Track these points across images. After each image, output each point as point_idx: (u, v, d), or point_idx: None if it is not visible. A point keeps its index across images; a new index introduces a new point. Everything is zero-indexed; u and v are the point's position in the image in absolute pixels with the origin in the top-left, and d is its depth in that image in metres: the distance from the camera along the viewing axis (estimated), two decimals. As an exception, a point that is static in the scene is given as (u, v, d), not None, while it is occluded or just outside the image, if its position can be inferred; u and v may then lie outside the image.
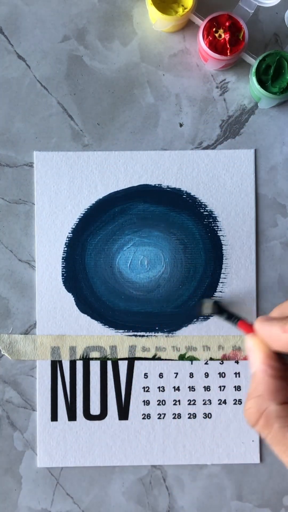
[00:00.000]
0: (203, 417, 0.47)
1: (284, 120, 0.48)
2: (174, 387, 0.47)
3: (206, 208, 0.47)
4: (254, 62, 0.46)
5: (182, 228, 0.47)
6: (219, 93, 0.48)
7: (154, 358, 0.47)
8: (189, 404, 0.47)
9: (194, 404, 0.47)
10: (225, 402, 0.47)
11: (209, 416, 0.47)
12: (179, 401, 0.47)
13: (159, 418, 0.47)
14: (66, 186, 0.47)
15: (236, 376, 0.47)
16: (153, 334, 0.47)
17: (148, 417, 0.47)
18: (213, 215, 0.47)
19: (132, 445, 0.46)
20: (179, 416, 0.47)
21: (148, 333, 0.47)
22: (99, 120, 0.48)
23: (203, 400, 0.47)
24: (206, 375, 0.47)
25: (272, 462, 0.47)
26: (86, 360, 0.47)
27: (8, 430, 0.47)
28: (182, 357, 0.47)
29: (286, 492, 0.47)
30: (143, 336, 0.47)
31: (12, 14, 0.48)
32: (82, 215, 0.47)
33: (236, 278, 0.47)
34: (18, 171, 0.47)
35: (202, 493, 0.47)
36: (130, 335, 0.47)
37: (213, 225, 0.47)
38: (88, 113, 0.48)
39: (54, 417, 0.46)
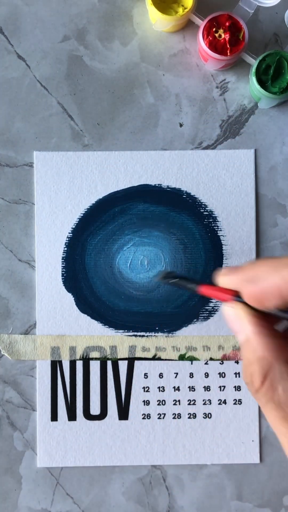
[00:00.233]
0: (203, 417, 0.47)
1: (284, 120, 0.48)
2: (174, 387, 0.47)
3: (206, 208, 0.47)
4: (254, 62, 0.46)
5: (182, 228, 0.47)
6: (219, 93, 0.48)
7: (154, 358, 0.47)
8: (189, 404, 0.47)
9: (194, 404, 0.47)
10: (225, 402, 0.47)
11: (209, 416, 0.47)
12: (179, 401, 0.47)
13: (159, 418, 0.47)
14: (66, 186, 0.47)
15: (236, 376, 0.47)
16: (153, 334, 0.47)
17: (148, 417, 0.47)
18: (213, 215, 0.47)
19: (132, 445, 0.46)
20: (179, 416, 0.47)
21: (148, 333, 0.47)
22: (99, 120, 0.48)
23: (203, 400, 0.47)
24: (206, 375, 0.47)
25: (272, 462, 0.47)
26: (86, 360, 0.47)
27: (8, 430, 0.47)
28: (182, 357, 0.47)
29: (286, 492, 0.47)
30: (143, 336, 0.47)
31: (12, 14, 0.48)
32: (82, 215, 0.47)
33: (236, 278, 0.47)
34: (18, 171, 0.47)
35: (202, 493, 0.47)
36: (130, 335, 0.47)
37: (213, 225, 0.47)
38: (88, 113, 0.48)
39: (54, 417, 0.46)
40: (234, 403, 0.47)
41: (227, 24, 0.45)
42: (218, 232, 0.47)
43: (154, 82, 0.48)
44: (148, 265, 0.47)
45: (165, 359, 0.47)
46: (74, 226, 0.47)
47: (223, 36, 0.45)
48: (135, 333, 0.47)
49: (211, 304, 0.47)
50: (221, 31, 0.45)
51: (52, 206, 0.47)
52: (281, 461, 0.46)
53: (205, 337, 0.47)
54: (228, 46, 0.45)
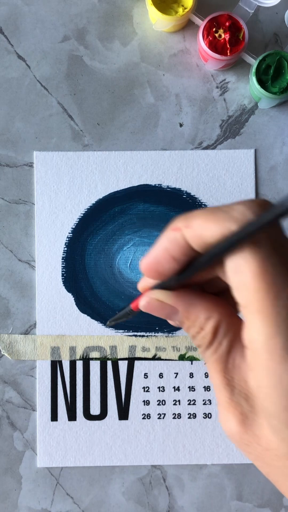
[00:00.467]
0: (203, 417, 0.47)
1: (284, 120, 0.48)
2: (174, 387, 0.47)
3: (206, 208, 0.47)
4: (254, 62, 0.46)
5: (182, 228, 0.47)
6: (219, 93, 0.48)
7: (154, 358, 0.47)
8: (189, 404, 0.47)
9: (194, 404, 0.47)
10: (225, 402, 0.47)
11: (209, 416, 0.47)
12: (179, 401, 0.47)
13: (159, 418, 0.47)
14: (66, 186, 0.47)
15: (236, 376, 0.47)
16: (153, 334, 0.47)
17: (148, 417, 0.47)
18: (213, 215, 0.47)
19: (132, 445, 0.46)
20: (179, 416, 0.47)
21: (148, 333, 0.47)
22: (99, 120, 0.48)
23: (203, 400, 0.47)
24: (206, 375, 0.47)
25: (272, 462, 0.47)
26: (86, 360, 0.47)
27: (8, 430, 0.47)
28: (182, 357, 0.47)
29: (286, 492, 0.47)
30: (143, 336, 0.47)
31: (12, 14, 0.48)
32: (82, 215, 0.47)
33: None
34: (18, 171, 0.47)
35: (202, 493, 0.47)
36: (130, 335, 0.47)
37: (213, 225, 0.47)
38: (88, 113, 0.48)
39: (54, 417, 0.46)
40: (234, 403, 0.47)
41: (227, 24, 0.45)
42: (218, 232, 0.47)
43: (154, 82, 0.48)
44: (148, 265, 0.47)
45: (165, 359, 0.47)
46: (74, 226, 0.47)
47: (223, 36, 0.45)
48: (135, 333, 0.47)
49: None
50: (221, 31, 0.45)
51: (52, 206, 0.47)
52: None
53: (205, 337, 0.47)
54: (228, 46, 0.45)
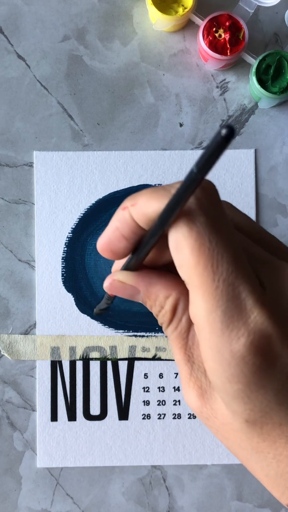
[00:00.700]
0: (203, 417, 0.47)
1: (284, 120, 0.48)
2: (174, 387, 0.47)
3: (206, 208, 0.47)
4: (254, 62, 0.46)
5: (182, 228, 0.47)
6: (219, 93, 0.48)
7: (154, 358, 0.47)
8: (189, 404, 0.47)
9: (194, 404, 0.47)
10: (225, 402, 0.47)
11: (209, 416, 0.47)
12: (179, 401, 0.47)
13: (159, 418, 0.47)
14: (66, 186, 0.47)
15: (236, 376, 0.47)
16: (153, 334, 0.47)
17: (148, 417, 0.47)
18: (213, 215, 0.47)
19: (132, 445, 0.46)
20: (179, 416, 0.47)
21: (148, 333, 0.47)
22: (99, 120, 0.48)
23: (203, 400, 0.47)
24: (206, 375, 0.47)
25: (272, 462, 0.47)
26: (86, 360, 0.47)
27: (8, 430, 0.46)
28: (182, 357, 0.47)
29: (286, 492, 0.47)
30: (143, 336, 0.47)
31: (12, 14, 0.48)
32: (82, 215, 0.47)
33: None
34: (18, 171, 0.47)
35: (202, 493, 0.46)
36: (130, 335, 0.47)
37: (213, 225, 0.47)
38: (88, 113, 0.48)
39: (54, 417, 0.46)
40: (234, 403, 0.47)
41: (227, 24, 0.45)
42: (218, 232, 0.47)
43: (154, 82, 0.48)
44: (148, 265, 0.47)
45: (165, 359, 0.47)
46: (74, 226, 0.47)
47: (223, 36, 0.45)
48: (135, 333, 0.47)
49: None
50: (221, 31, 0.45)
51: (52, 206, 0.47)
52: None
53: (205, 337, 0.47)
54: (228, 46, 0.45)
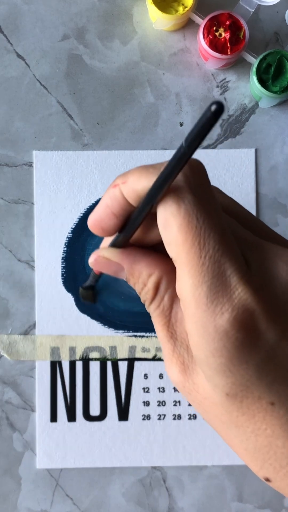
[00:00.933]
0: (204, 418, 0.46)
1: (285, 120, 0.48)
2: (174, 388, 0.47)
3: (207, 208, 0.47)
4: (254, 61, 0.45)
5: (182, 228, 0.47)
6: (220, 92, 0.48)
7: (154, 358, 0.47)
8: (189, 405, 0.47)
9: (194, 405, 0.47)
10: (225, 402, 0.47)
11: (210, 417, 0.46)
12: (179, 402, 0.47)
13: (159, 419, 0.46)
14: (66, 185, 0.47)
15: (236, 377, 0.47)
16: (153, 334, 0.47)
17: (148, 418, 0.46)
18: (214, 215, 0.47)
19: (132, 446, 0.46)
20: (179, 417, 0.46)
21: (148, 334, 0.47)
22: (99, 120, 0.47)
23: (204, 401, 0.47)
24: (207, 375, 0.47)
25: (272, 463, 0.46)
26: (86, 361, 0.46)
27: (8, 431, 0.46)
28: (182, 358, 0.47)
29: (287, 493, 0.46)
30: (143, 336, 0.47)
31: (11, 13, 0.47)
32: (82, 215, 0.47)
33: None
34: (17, 170, 0.47)
35: (202, 494, 0.46)
36: (130, 336, 0.47)
37: (213, 225, 0.47)
38: (88, 112, 0.47)
39: (53, 418, 0.46)
40: (235, 404, 0.47)
41: (228, 23, 0.44)
42: (219, 232, 0.47)
43: (154, 81, 0.48)
44: (148, 265, 0.47)
45: (165, 360, 0.47)
46: (74, 226, 0.47)
47: (223, 35, 0.45)
48: (135, 334, 0.47)
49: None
50: (221, 30, 0.45)
51: (52, 206, 0.47)
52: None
53: (206, 337, 0.47)
54: (228, 45, 0.44)
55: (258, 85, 0.44)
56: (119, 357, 0.47)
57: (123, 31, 0.48)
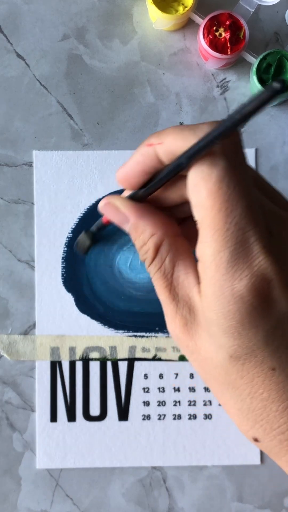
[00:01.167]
0: (203, 418, 0.46)
1: (285, 120, 0.48)
2: (174, 388, 0.47)
3: (207, 208, 0.47)
4: (254, 61, 0.45)
5: (182, 228, 0.47)
6: (220, 92, 0.48)
7: (154, 358, 0.47)
8: (189, 405, 0.46)
9: (194, 405, 0.46)
10: (225, 403, 0.46)
11: (209, 417, 0.46)
12: (179, 402, 0.47)
13: (159, 419, 0.46)
14: (66, 185, 0.47)
15: (236, 377, 0.47)
16: (153, 334, 0.47)
17: (148, 418, 0.46)
18: (214, 215, 0.47)
19: (132, 446, 0.46)
20: (179, 417, 0.46)
21: (148, 334, 0.47)
22: (99, 119, 0.47)
23: (203, 401, 0.47)
24: (207, 375, 0.47)
25: (272, 463, 0.46)
26: (86, 361, 0.46)
27: (7, 431, 0.46)
28: (182, 358, 0.47)
29: (287, 493, 0.46)
30: (143, 336, 0.47)
31: (11, 13, 0.47)
32: (82, 215, 0.47)
33: (237, 278, 0.47)
34: (17, 170, 0.47)
35: (202, 494, 0.46)
36: (130, 336, 0.47)
37: (213, 225, 0.47)
38: (88, 112, 0.47)
39: (53, 418, 0.46)
40: (235, 404, 0.47)
41: (228, 22, 0.44)
42: (219, 232, 0.47)
43: (154, 81, 0.48)
44: (148, 265, 0.47)
45: (165, 360, 0.47)
46: (74, 226, 0.47)
47: (223, 35, 0.45)
48: (135, 334, 0.47)
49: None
50: (221, 29, 0.45)
51: (52, 206, 0.47)
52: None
53: (206, 337, 0.47)
54: (228, 45, 0.44)
55: (258, 85, 0.44)
56: (119, 357, 0.47)
57: (123, 31, 0.48)
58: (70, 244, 0.47)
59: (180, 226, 0.30)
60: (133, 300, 0.47)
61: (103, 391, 0.46)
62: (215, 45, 0.45)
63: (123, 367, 0.47)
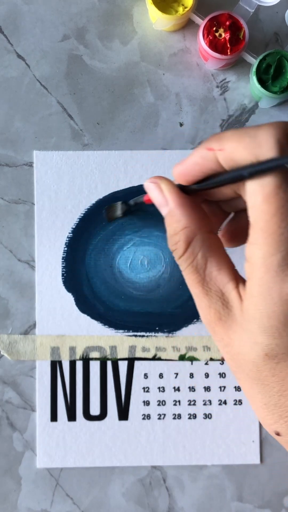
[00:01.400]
0: (203, 418, 0.46)
1: (285, 120, 0.48)
2: (174, 388, 0.47)
3: (206, 208, 0.47)
4: (254, 62, 0.46)
5: (182, 228, 0.47)
6: (220, 92, 0.48)
7: (154, 358, 0.47)
8: (189, 404, 0.47)
9: (194, 404, 0.47)
10: (225, 402, 0.47)
11: (209, 416, 0.46)
12: (179, 401, 0.47)
13: (159, 418, 0.46)
14: (66, 185, 0.47)
15: (236, 377, 0.47)
16: (153, 334, 0.47)
17: (148, 418, 0.46)
18: (214, 215, 0.47)
19: (132, 446, 0.46)
20: (179, 416, 0.46)
21: (148, 333, 0.47)
22: (99, 120, 0.47)
23: (203, 401, 0.47)
24: (206, 375, 0.47)
25: (272, 463, 0.46)
26: (86, 360, 0.47)
27: (8, 430, 0.46)
28: (182, 358, 0.47)
29: (287, 492, 0.47)
30: (143, 336, 0.47)
31: (11, 13, 0.47)
32: (82, 215, 0.47)
33: (237, 278, 0.47)
34: (17, 170, 0.47)
35: (202, 494, 0.46)
36: (130, 335, 0.47)
37: (213, 225, 0.47)
38: (88, 112, 0.47)
39: (53, 417, 0.46)
40: (235, 404, 0.47)
41: (228, 23, 0.44)
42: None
43: (154, 81, 0.48)
44: (148, 265, 0.47)
45: (165, 359, 0.47)
46: (74, 226, 0.47)
47: (223, 35, 0.45)
48: (135, 333, 0.47)
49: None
50: (221, 30, 0.45)
51: (52, 206, 0.47)
52: (281, 461, 0.46)
53: (206, 337, 0.47)
54: (228, 46, 0.44)
55: (258, 85, 0.45)
56: (119, 356, 0.47)
57: (123, 31, 0.48)
58: (71, 244, 0.47)
59: (226, 220, 0.31)
60: (133, 300, 0.47)
61: (103, 390, 0.46)
62: (215, 45, 0.45)
63: (123, 366, 0.47)
